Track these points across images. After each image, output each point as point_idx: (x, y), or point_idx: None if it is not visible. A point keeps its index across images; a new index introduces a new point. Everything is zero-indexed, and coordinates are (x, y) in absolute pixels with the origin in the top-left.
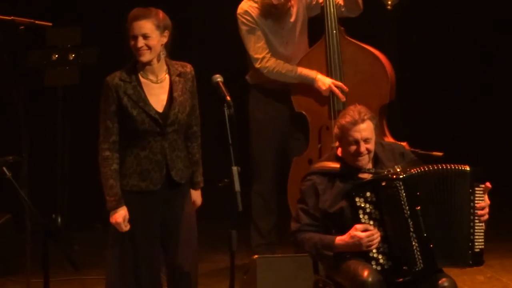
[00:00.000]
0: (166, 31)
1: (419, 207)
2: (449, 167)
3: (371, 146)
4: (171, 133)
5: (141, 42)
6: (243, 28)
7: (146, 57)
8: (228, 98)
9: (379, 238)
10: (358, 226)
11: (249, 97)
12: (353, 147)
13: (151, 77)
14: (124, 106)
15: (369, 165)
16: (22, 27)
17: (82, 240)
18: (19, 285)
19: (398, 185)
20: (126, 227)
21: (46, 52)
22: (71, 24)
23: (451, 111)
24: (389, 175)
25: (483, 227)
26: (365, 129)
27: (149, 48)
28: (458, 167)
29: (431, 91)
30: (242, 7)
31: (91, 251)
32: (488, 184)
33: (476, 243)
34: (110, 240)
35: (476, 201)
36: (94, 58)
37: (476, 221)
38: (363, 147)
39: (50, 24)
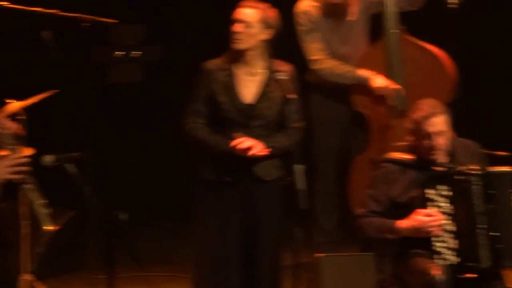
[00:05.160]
0: (270, 29)
1: (493, 206)
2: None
3: (445, 139)
4: (258, 128)
5: (238, 27)
6: (301, 28)
7: (238, 45)
8: (290, 96)
9: (440, 225)
10: (421, 210)
11: (310, 95)
12: (427, 141)
13: (246, 69)
14: (214, 92)
15: (444, 159)
16: (86, 23)
17: (147, 237)
18: (83, 281)
19: (474, 180)
20: None
21: (109, 49)
22: (135, 21)
23: None
24: (466, 170)
25: None
26: (439, 123)
27: (245, 36)
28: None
29: (498, 90)
30: (301, 6)
31: (156, 247)
32: None
33: None
34: (196, 236)
35: None
36: (158, 56)
37: None
38: (437, 140)
39: (115, 21)
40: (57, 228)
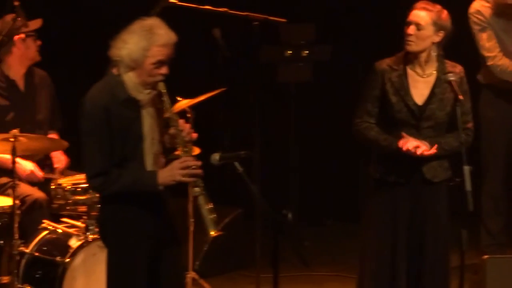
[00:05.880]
0: (442, 31)
1: None
2: None
3: None
4: (427, 129)
5: (411, 30)
6: (475, 27)
7: (411, 47)
8: (460, 97)
9: None
10: None
11: (480, 96)
12: None
13: (418, 70)
14: (386, 92)
15: None
16: (256, 22)
17: (312, 236)
18: (249, 280)
19: None
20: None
21: (280, 48)
22: (305, 20)
23: None
24: None
25: None
26: None
27: (417, 39)
28: None
29: None
30: (474, 6)
31: (321, 247)
32: None
33: None
34: (364, 235)
35: None
36: (328, 56)
37: None
38: None
39: (285, 20)
40: (220, 234)
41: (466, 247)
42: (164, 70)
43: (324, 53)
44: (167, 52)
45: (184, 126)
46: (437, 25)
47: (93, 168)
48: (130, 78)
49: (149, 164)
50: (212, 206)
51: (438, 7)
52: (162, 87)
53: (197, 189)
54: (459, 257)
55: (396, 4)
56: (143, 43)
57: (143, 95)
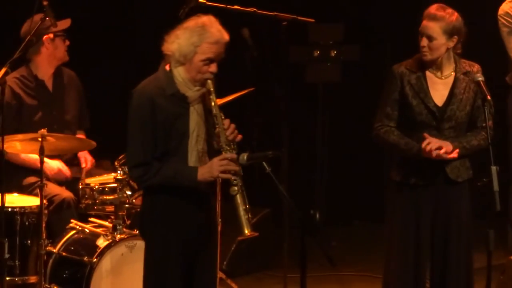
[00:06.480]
0: (455, 36)
1: None
2: None
3: None
4: (448, 130)
5: (424, 42)
6: (504, 29)
7: (426, 57)
8: (489, 97)
9: None
10: None
11: (508, 97)
12: None
13: (436, 71)
14: (405, 95)
15: None
16: (285, 23)
17: (340, 236)
18: (276, 280)
19: None
20: None
21: (308, 48)
22: (333, 21)
23: None
24: None
25: None
26: None
27: (431, 49)
28: None
29: None
30: (503, 8)
31: (349, 247)
32: None
33: None
34: (387, 236)
35: None
36: (356, 56)
37: None
38: None
39: (313, 20)
40: (255, 235)
41: (493, 247)
42: (213, 68)
43: (352, 53)
44: (217, 50)
45: (229, 126)
46: (449, 33)
47: (135, 158)
48: (179, 74)
49: (192, 161)
50: (248, 206)
51: (449, 11)
52: (210, 85)
53: (235, 187)
54: (486, 257)
55: (425, 3)
56: (194, 39)
57: (192, 92)
